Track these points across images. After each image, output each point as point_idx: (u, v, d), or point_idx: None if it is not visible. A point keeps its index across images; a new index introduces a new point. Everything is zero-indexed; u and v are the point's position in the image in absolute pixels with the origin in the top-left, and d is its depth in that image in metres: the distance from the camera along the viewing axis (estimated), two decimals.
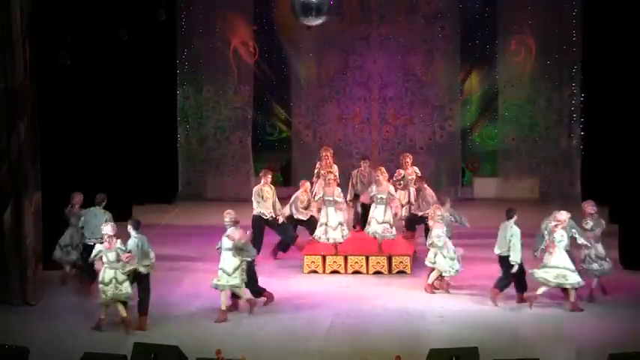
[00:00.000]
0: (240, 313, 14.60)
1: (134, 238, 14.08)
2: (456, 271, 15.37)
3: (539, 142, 21.87)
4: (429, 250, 15.48)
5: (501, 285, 14.87)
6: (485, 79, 22.29)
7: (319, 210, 16.95)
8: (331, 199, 16.63)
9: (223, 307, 14.24)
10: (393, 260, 16.64)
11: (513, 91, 21.91)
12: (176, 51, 22.12)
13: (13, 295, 15.06)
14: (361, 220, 17.91)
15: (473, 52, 22.13)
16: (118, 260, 13.85)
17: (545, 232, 14.69)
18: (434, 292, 15.37)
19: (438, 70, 22.06)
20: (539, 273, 14.53)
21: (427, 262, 15.49)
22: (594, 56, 20.15)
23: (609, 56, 18.72)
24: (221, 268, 14.29)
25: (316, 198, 17.10)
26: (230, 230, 14.36)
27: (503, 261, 14.74)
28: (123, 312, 13.89)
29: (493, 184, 22.08)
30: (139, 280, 14.07)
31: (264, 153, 22.64)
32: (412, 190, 17.98)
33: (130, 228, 14.19)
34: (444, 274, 15.40)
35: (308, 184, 17.76)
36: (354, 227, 18.27)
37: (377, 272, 16.59)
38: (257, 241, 17.18)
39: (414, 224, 17.85)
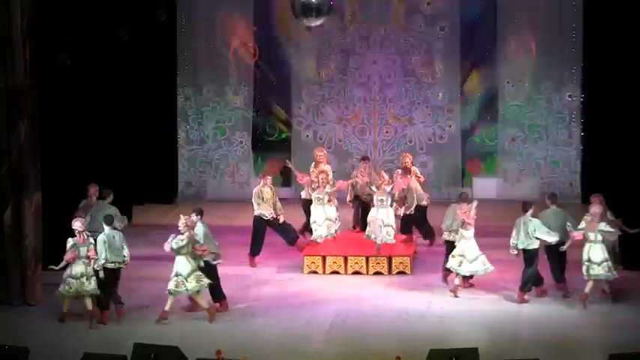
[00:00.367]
0: (240, 313, 14.61)
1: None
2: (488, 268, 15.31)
3: (539, 142, 21.83)
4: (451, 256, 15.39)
5: (533, 280, 14.95)
6: (486, 80, 22.21)
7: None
8: (320, 196, 17.02)
9: (167, 308, 14.26)
10: (393, 261, 16.64)
11: (513, 91, 21.86)
12: (176, 51, 22.05)
13: (13, 295, 15.07)
14: (361, 220, 17.91)
15: (473, 53, 22.08)
16: (88, 257, 14.14)
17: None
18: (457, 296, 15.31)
19: (438, 71, 22.02)
20: (597, 269, 14.71)
21: (460, 271, 15.26)
22: (594, 56, 20.10)
23: (609, 56, 18.66)
24: (177, 273, 14.29)
25: (314, 196, 17.27)
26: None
27: (528, 254, 14.84)
28: (89, 305, 14.15)
29: (493, 184, 22.04)
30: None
31: (265, 153, 22.61)
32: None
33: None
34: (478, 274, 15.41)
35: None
36: (353, 228, 18.27)
37: (377, 273, 16.59)
38: (258, 241, 17.22)
39: (410, 226, 17.78)
